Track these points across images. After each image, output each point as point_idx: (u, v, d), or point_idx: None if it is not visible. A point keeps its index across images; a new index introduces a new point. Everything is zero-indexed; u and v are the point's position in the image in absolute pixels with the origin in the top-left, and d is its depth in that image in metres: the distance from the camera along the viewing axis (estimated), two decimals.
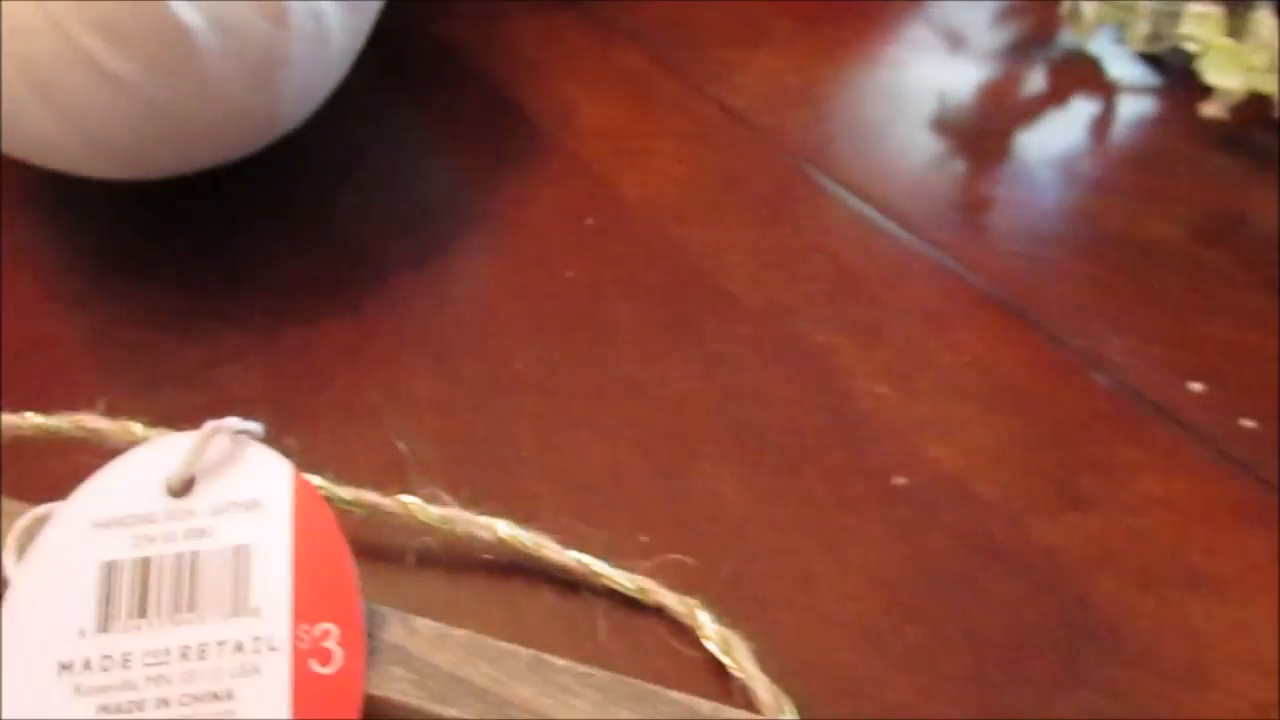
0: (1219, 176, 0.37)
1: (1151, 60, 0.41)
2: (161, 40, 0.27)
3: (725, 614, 0.23)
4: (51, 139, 0.29)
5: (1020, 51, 0.44)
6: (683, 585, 0.24)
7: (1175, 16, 0.38)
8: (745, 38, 0.43)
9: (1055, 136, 0.40)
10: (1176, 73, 0.40)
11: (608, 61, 0.43)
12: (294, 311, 0.32)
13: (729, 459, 0.28)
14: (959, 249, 0.34)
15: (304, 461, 0.23)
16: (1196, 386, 0.29)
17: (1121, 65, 0.42)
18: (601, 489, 0.27)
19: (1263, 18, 0.35)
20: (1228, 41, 0.35)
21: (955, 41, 0.44)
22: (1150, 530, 0.26)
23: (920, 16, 0.45)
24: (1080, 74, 0.42)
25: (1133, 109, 0.40)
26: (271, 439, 0.24)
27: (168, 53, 0.27)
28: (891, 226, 0.35)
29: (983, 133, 0.40)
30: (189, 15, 0.27)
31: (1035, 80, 0.42)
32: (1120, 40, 0.42)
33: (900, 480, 0.27)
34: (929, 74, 0.42)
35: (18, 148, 0.31)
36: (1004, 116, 0.41)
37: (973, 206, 0.36)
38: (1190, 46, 0.37)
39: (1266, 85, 0.36)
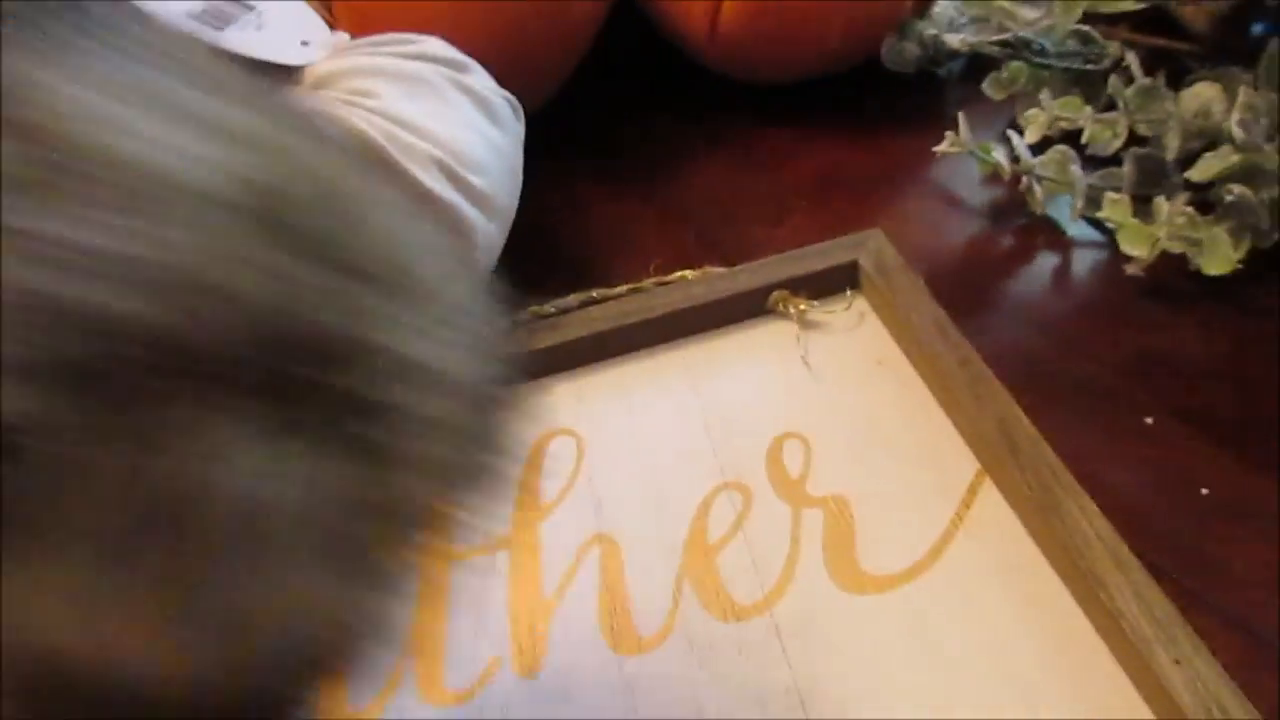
0: (1142, 319, 0.47)
1: (1096, 223, 0.52)
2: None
3: None
4: None
5: (998, 215, 0.54)
6: None
7: (1106, 192, 0.49)
8: (771, 216, 0.55)
9: (1023, 286, 0.50)
10: (1113, 234, 0.51)
11: (665, 238, 0.55)
12: None
13: None
14: None
15: None
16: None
17: (1075, 226, 0.52)
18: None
19: (1161, 202, 0.45)
20: (1134, 221, 0.46)
21: (945, 207, 0.55)
22: None
23: (912, 192, 0.56)
24: (1043, 234, 0.52)
25: (1082, 263, 0.51)
26: None
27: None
28: None
29: (963, 285, 0.50)
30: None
31: (1008, 239, 0.53)
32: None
33: None
34: (921, 238, 0.53)
35: None
36: (983, 271, 0.51)
37: None
38: (1109, 224, 0.47)
39: (1174, 247, 0.46)
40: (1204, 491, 0.39)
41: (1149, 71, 0.51)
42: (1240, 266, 0.45)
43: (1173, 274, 0.48)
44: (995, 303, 0.49)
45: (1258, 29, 0.55)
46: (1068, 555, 0.35)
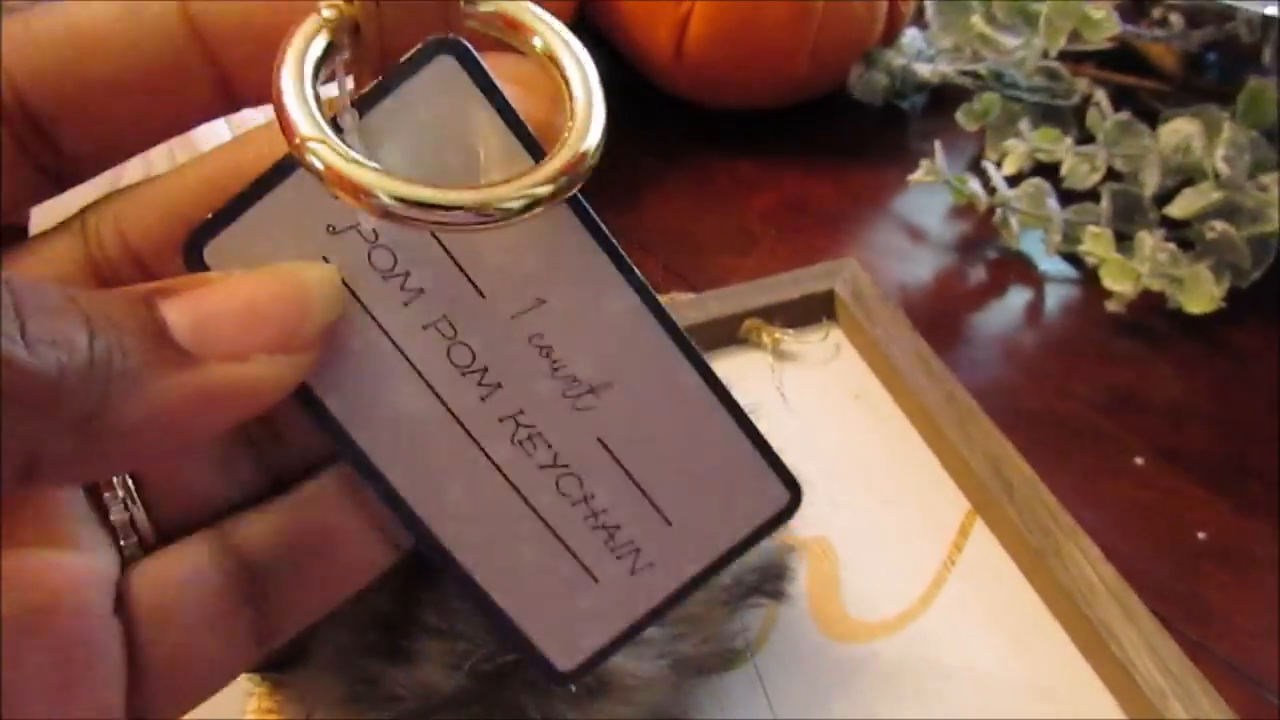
0: (1121, 358, 0.45)
1: (1070, 258, 0.51)
2: None
3: None
4: None
5: (967, 248, 0.53)
6: None
7: (1084, 227, 0.48)
8: (737, 246, 0.53)
9: (995, 321, 0.49)
10: (1089, 269, 0.49)
11: None
12: None
13: None
14: None
15: None
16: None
17: (1047, 262, 0.51)
18: None
19: (1145, 237, 0.44)
20: (1118, 256, 0.44)
21: (912, 240, 0.54)
22: None
23: (880, 223, 0.55)
24: (1015, 269, 0.51)
25: (1056, 298, 0.50)
26: None
27: None
28: None
29: (936, 319, 0.49)
30: None
31: (978, 273, 0.52)
32: (1045, 242, 0.51)
33: None
34: (891, 269, 0.51)
35: None
36: (954, 305, 0.50)
37: None
38: (1090, 259, 0.46)
39: (1156, 285, 0.45)
40: (1200, 536, 0.38)
41: (1116, 109, 0.51)
42: (1222, 305, 0.44)
43: (1148, 312, 0.47)
44: (969, 338, 0.47)
45: (1211, 67, 0.55)
46: (1071, 602, 0.33)
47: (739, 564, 0.27)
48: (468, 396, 0.18)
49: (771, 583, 0.32)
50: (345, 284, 0.17)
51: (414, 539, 0.18)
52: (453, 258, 0.17)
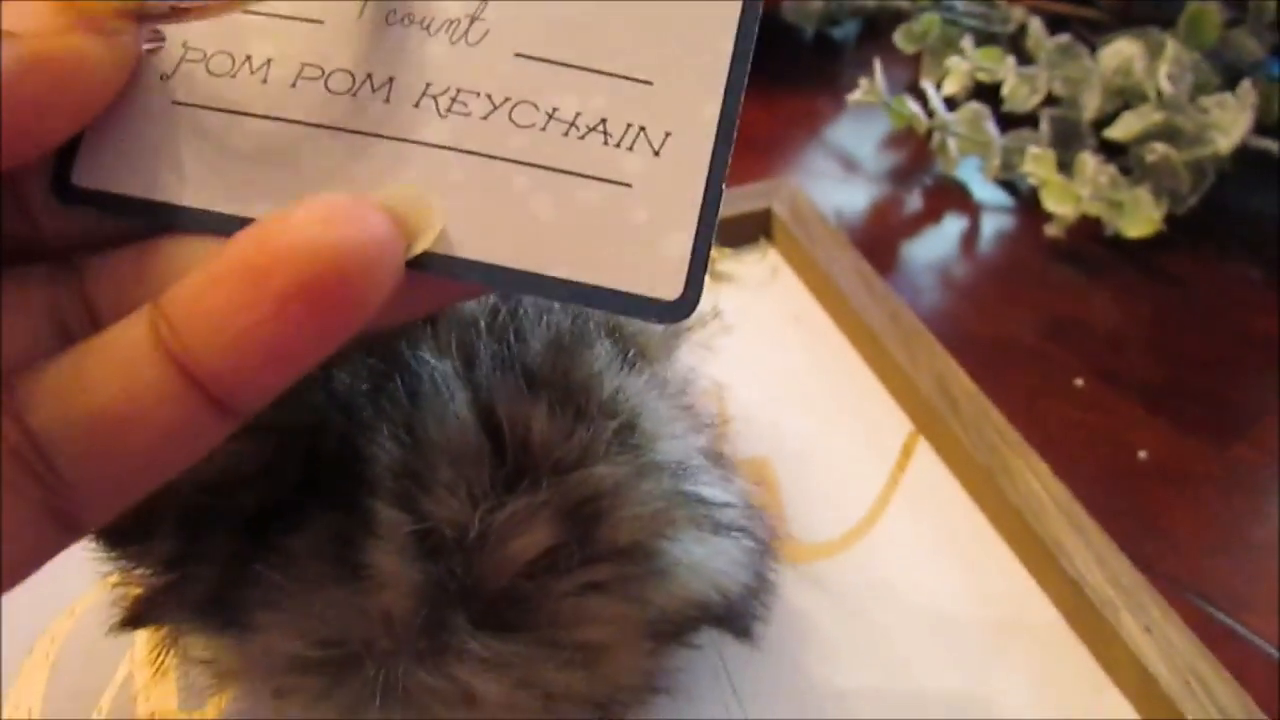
0: (1059, 284, 0.45)
1: (1006, 185, 0.50)
2: None
3: None
4: None
5: (902, 176, 0.52)
6: None
7: (1021, 153, 0.47)
8: None
9: (931, 249, 0.48)
10: (1026, 196, 0.49)
11: None
12: None
13: None
14: None
15: None
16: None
17: (984, 189, 0.50)
18: None
19: (1086, 158, 0.43)
20: (1059, 178, 0.43)
21: (846, 168, 0.52)
22: None
23: (814, 150, 0.53)
24: (951, 196, 0.50)
25: (993, 226, 0.49)
26: None
27: None
28: None
29: (873, 246, 0.47)
30: None
31: (914, 201, 0.50)
32: (983, 168, 0.50)
33: None
34: (826, 196, 0.50)
35: None
36: (890, 232, 0.48)
37: None
38: (1031, 180, 0.45)
39: (1095, 209, 0.44)
40: (1141, 455, 0.37)
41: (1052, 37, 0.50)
42: (1161, 230, 0.44)
43: (1085, 239, 0.46)
44: (907, 265, 0.46)
45: None
46: (1020, 519, 0.32)
47: (673, 595, 0.22)
48: (373, 109, 0.17)
49: (735, 620, 0.25)
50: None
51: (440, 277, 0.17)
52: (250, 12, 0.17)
